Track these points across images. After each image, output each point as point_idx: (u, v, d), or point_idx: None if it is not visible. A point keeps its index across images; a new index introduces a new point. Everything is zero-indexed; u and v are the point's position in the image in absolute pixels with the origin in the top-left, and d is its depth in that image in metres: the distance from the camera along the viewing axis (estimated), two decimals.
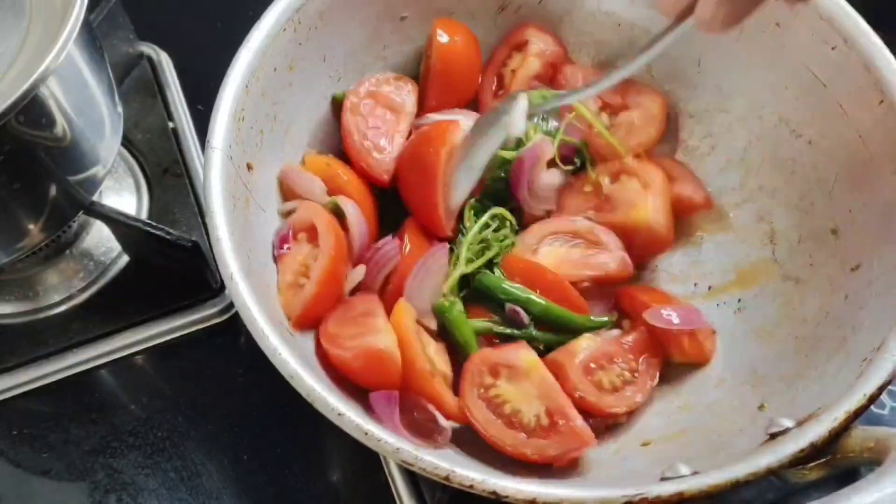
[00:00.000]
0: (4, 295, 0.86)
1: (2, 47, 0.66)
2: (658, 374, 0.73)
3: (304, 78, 0.76)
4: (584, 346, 0.72)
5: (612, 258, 0.77)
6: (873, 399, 0.56)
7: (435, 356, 0.70)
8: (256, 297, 0.61)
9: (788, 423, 0.57)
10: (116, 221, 0.82)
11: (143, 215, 0.91)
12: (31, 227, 0.74)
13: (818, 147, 0.75)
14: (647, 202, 0.78)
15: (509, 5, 0.85)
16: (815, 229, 0.74)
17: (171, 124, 0.97)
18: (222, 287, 0.87)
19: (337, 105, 0.81)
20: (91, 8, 0.72)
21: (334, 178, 0.76)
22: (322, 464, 0.80)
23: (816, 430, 0.55)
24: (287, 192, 0.76)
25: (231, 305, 0.86)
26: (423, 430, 0.66)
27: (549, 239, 0.77)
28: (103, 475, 0.79)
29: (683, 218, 0.81)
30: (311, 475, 0.79)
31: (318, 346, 0.68)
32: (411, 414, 0.66)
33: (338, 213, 0.74)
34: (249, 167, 0.70)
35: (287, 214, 0.75)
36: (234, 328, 0.87)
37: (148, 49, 1.04)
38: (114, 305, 0.86)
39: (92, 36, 0.74)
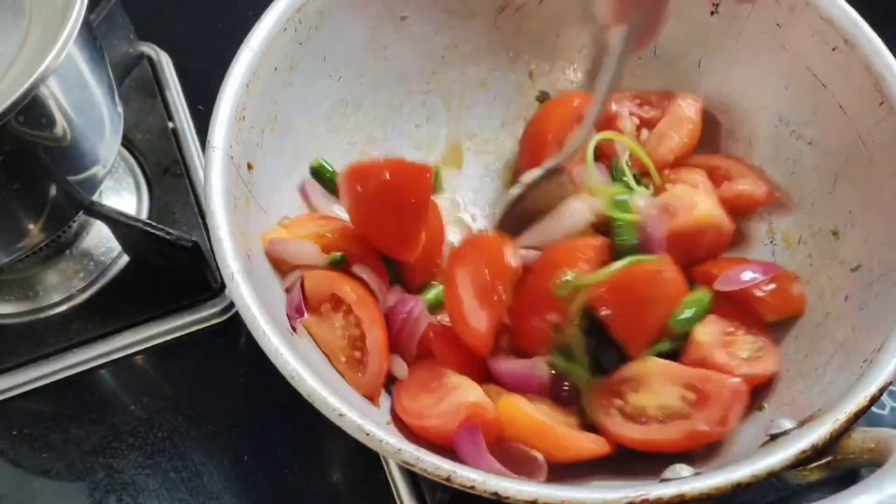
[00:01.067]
0: (4, 295, 0.86)
1: (2, 47, 0.66)
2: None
3: (305, 77, 0.76)
4: (705, 331, 0.69)
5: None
6: (874, 400, 0.56)
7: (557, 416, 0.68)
8: (257, 297, 0.61)
9: (789, 424, 0.57)
10: (116, 221, 0.82)
11: (143, 215, 0.91)
12: (31, 227, 0.74)
13: (818, 147, 0.75)
14: (705, 199, 0.75)
15: (509, 5, 0.85)
16: (816, 229, 0.74)
17: (171, 124, 0.97)
18: (222, 287, 0.87)
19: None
20: (91, 8, 0.72)
21: (326, 237, 0.72)
22: (322, 464, 0.80)
23: (817, 432, 0.55)
24: (279, 264, 0.71)
25: (231, 305, 0.86)
26: (520, 467, 0.63)
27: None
28: (103, 475, 0.79)
29: (748, 216, 0.79)
30: (311, 475, 0.79)
31: (397, 419, 0.67)
32: (503, 453, 0.63)
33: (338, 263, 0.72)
34: (250, 167, 0.70)
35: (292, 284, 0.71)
36: (234, 328, 0.87)
37: (148, 49, 1.04)
38: (114, 305, 0.86)
39: (92, 36, 0.74)
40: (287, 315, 0.68)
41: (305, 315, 0.69)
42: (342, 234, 0.73)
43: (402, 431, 0.66)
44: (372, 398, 0.68)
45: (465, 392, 0.64)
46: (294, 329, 0.68)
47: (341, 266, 0.72)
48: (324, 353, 0.69)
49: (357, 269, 0.72)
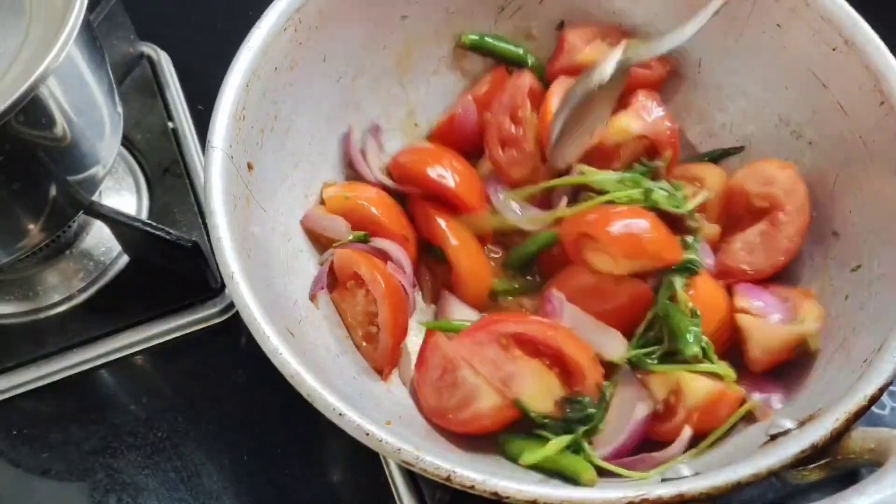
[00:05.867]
0: (4, 295, 0.86)
1: (2, 47, 0.66)
2: None
3: (305, 77, 0.76)
4: None
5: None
6: (874, 400, 0.56)
7: None
8: (257, 297, 0.61)
9: (789, 423, 0.57)
10: (116, 221, 0.82)
11: (143, 215, 0.91)
12: (31, 227, 0.74)
13: (818, 147, 0.75)
14: None
15: (509, 5, 0.85)
16: (816, 229, 0.74)
17: (171, 124, 0.97)
18: (222, 287, 0.87)
19: None
20: (91, 8, 0.72)
21: (358, 209, 0.77)
22: (322, 464, 0.80)
23: (817, 432, 0.55)
24: (315, 237, 0.77)
25: (231, 305, 0.86)
26: None
27: None
28: (103, 475, 0.79)
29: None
30: (311, 475, 0.79)
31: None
32: None
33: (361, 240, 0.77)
34: (250, 167, 0.70)
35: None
36: (234, 328, 0.87)
37: (148, 49, 1.03)
38: (114, 305, 0.86)
39: (92, 36, 0.74)
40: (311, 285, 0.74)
41: (324, 289, 0.73)
42: (373, 198, 0.79)
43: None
44: (381, 371, 0.71)
45: (484, 401, 0.66)
46: (311, 298, 0.73)
47: (364, 242, 0.77)
48: (346, 326, 0.73)
49: (376, 242, 0.76)
